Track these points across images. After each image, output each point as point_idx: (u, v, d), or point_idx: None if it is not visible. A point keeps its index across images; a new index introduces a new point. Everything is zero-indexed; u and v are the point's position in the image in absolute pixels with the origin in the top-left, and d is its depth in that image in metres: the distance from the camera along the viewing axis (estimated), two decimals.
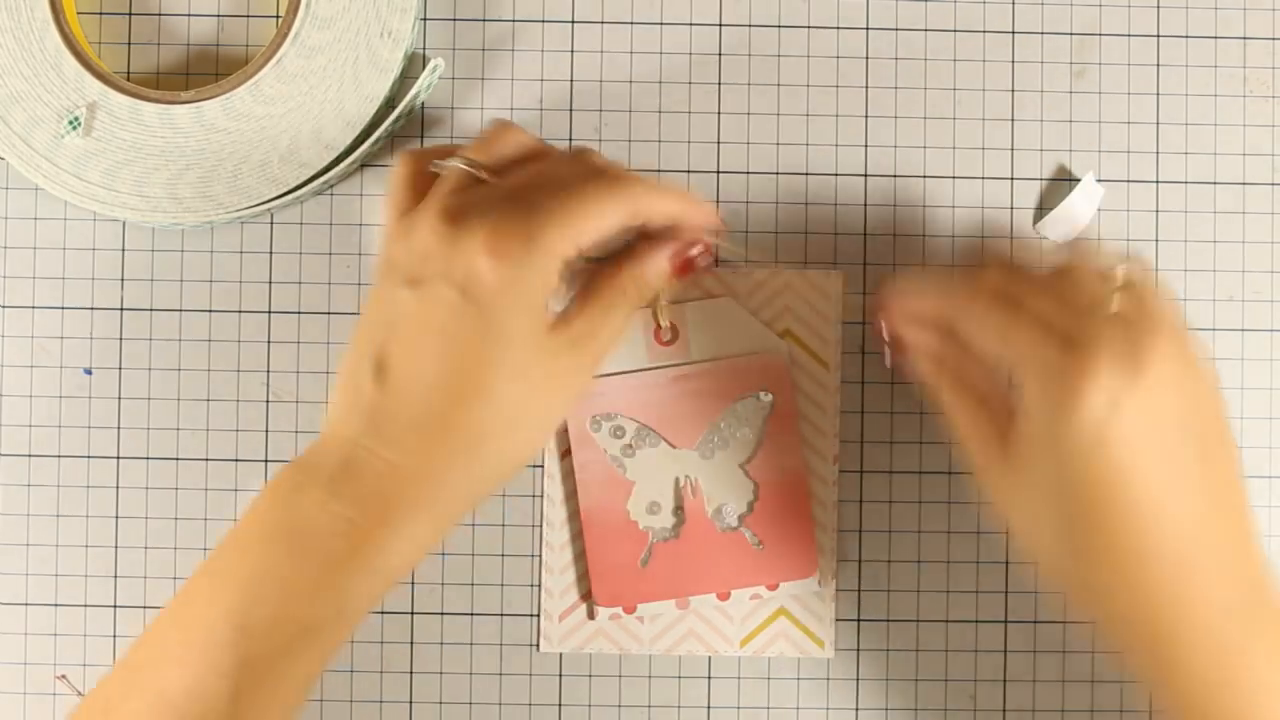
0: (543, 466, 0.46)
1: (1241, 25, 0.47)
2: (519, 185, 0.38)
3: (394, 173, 0.40)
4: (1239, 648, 0.36)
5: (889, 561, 0.46)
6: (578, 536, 0.45)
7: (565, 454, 0.45)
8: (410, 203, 0.39)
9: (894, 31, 0.46)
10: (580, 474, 0.45)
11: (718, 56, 0.47)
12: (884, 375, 0.46)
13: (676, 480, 0.45)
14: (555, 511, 0.45)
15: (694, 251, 0.40)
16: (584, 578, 0.45)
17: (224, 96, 0.44)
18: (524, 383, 0.37)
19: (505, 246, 0.36)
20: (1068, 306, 0.37)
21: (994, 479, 0.39)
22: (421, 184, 0.39)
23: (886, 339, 0.43)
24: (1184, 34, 0.47)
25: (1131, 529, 0.36)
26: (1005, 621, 0.46)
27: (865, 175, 0.46)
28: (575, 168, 0.39)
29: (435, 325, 0.36)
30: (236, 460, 0.46)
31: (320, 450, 0.37)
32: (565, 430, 0.45)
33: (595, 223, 0.37)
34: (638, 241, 0.40)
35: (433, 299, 0.36)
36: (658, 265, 0.40)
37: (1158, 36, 0.47)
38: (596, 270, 0.40)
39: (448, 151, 0.39)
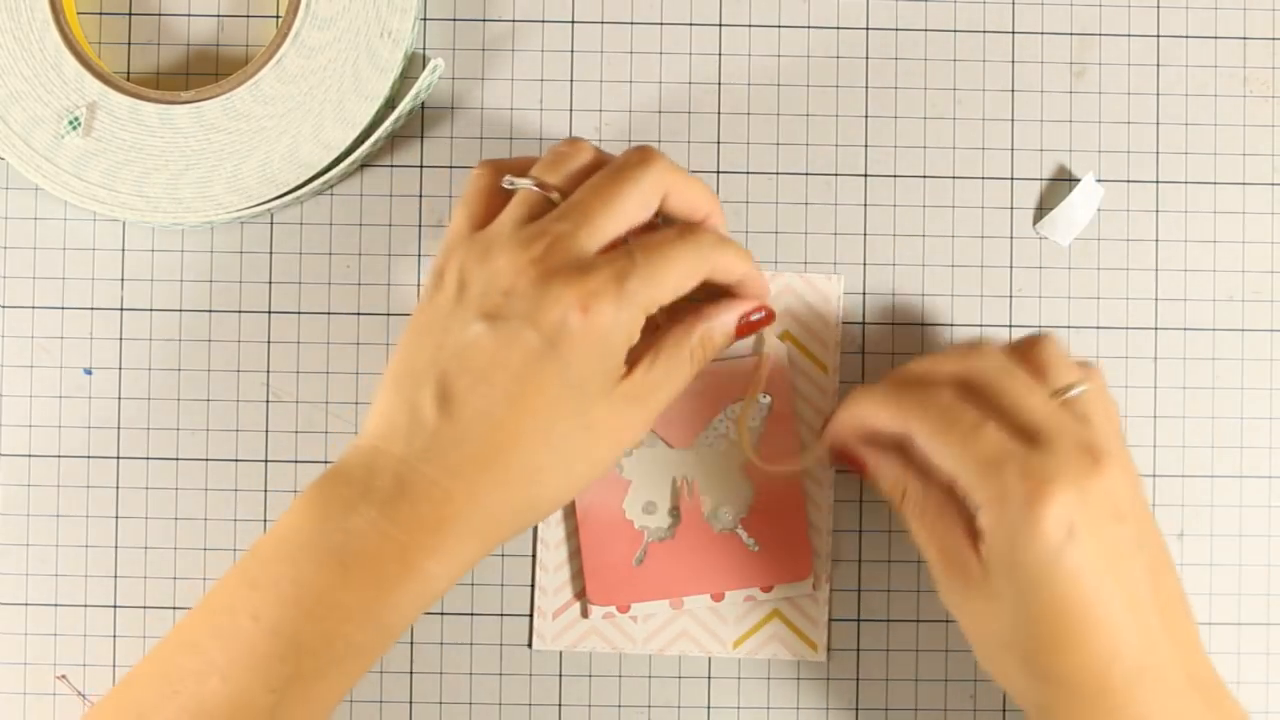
0: None
1: (1241, 25, 0.47)
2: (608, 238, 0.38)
3: (471, 182, 0.40)
4: None
5: (889, 561, 0.46)
6: (573, 534, 0.45)
7: None
8: (485, 216, 0.39)
9: (894, 31, 0.46)
10: None
11: (718, 57, 0.47)
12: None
13: (673, 480, 0.45)
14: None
15: (758, 317, 0.41)
16: (578, 576, 0.45)
17: (224, 96, 0.44)
18: (589, 431, 0.38)
19: (598, 304, 0.37)
20: (1019, 423, 0.38)
21: (957, 600, 0.39)
22: (496, 198, 0.40)
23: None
24: (1184, 34, 0.47)
25: (1094, 654, 0.37)
26: None
27: (865, 175, 0.46)
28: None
29: (512, 366, 0.37)
30: (236, 460, 0.46)
31: (369, 465, 0.37)
32: None
33: (680, 282, 0.39)
34: (705, 299, 0.41)
35: (511, 339, 0.37)
36: (726, 326, 0.41)
37: (1158, 36, 0.47)
38: (666, 326, 0.40)
39: (524, 165, 0.40)
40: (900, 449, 0.41)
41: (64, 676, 0.46)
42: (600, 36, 0.46)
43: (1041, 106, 0.46)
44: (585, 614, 0.45)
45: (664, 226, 0.40)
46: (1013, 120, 0.46)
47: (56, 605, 0.46)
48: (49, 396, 0.46)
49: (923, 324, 0.46)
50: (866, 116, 0.46)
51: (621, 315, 0.37)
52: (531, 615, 0.45)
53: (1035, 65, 0.46)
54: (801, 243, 0.46)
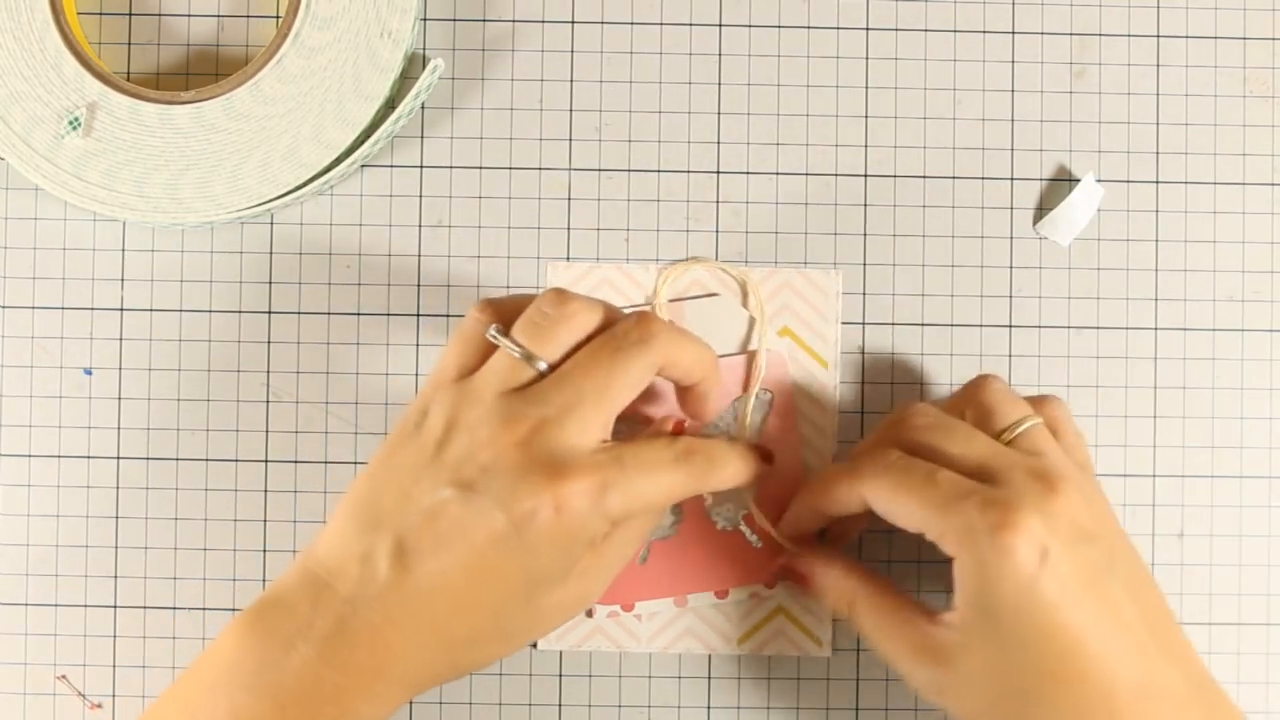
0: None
1: (1241, 25, 0.47)
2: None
3: (467, 325, 0.39)
4: None
5: (889, 562, 0.46)
6: None
7: None
8: (476, 361, 0.39)
9: (894, 32, 0.46)
10: None
11: (718, 57, 0.47)
12: (884, 375, 0.46)
13: None
14: None
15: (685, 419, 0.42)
16: None
17: (224, 96, 0.44)
18: (537, 613, 0.39)
19: (572, 506, 0.36)
20: (968, 467, 0.38)
21: (937, 685, 0.39)
22: (488, 345, 0.39)
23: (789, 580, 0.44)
24: (1184, 34, 0.47)
25: (1093, 684, 0.36)
26: None
27: (865, 175, 0.46)
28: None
29: (475, 542, 0.36)
30: (236, 460, 0.46)
31: (313, 600, 0.37)
32: None
33: (662, 500, 0.39)
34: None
35: (480, 515, 0.36)
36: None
37: (1158, 37, 0.47)
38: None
39: (521, 306, 0.39)
40: (844, 563, 0.41)
41: (64, 677, 0.46)
42: (600, 36, 0.46)
43: (1041, 106, 0.46)
44: (590, 613, 0.45)
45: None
46: (1012, 120, 0.46)
47: (56, 605, 0.46)
48: (49, 396, 0.46)
49: (922, 324, 0.46)
50: (866, 116, 0.46)
51: (592, 520, 0.37)
52: None
53: (1035, 65, 0.46)
54: (801, 242, 0.46)
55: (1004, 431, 0.40)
